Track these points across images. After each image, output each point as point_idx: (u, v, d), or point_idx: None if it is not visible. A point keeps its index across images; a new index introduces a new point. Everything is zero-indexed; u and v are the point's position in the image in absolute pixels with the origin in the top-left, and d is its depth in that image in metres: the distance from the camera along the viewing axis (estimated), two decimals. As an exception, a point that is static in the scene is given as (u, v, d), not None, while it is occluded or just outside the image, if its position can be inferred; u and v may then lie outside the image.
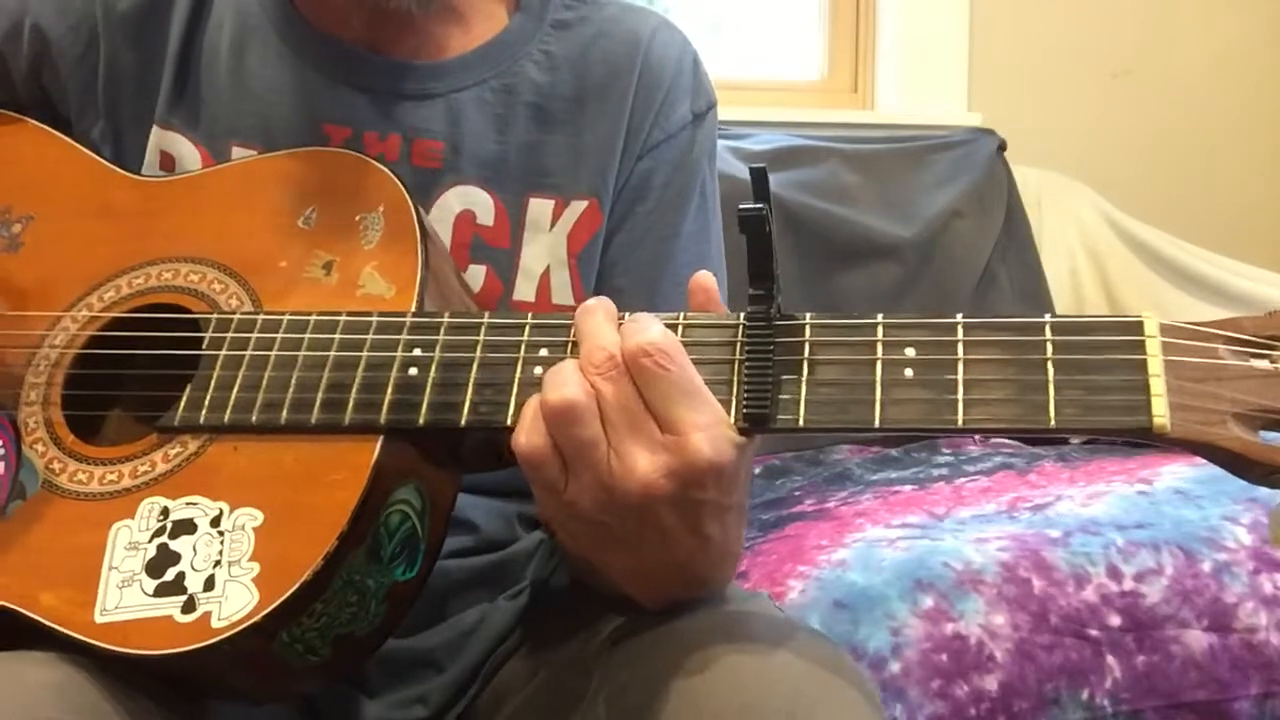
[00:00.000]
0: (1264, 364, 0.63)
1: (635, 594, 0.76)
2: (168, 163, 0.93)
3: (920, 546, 1.33)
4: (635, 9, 1.01)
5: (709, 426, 0.66)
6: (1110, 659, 1.27)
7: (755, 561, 1.37)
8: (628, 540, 0.69)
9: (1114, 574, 1.31)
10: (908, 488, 1.61)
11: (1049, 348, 0.65)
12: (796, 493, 1.64)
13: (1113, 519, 1.39)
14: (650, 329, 0.66)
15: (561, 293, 0.94)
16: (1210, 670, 1.29)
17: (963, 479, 1.62)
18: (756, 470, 1.62)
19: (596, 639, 0.80)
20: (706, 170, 1.00)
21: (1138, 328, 0.65)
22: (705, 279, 0.72)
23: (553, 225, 0.94)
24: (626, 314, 0.71)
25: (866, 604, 1.24)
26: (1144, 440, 0.64)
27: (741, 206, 0.68)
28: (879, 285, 2.03)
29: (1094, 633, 1.27)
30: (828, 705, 0.68)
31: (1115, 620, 1.28)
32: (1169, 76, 2.41)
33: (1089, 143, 2.37)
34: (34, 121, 0.95)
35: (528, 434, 0.67)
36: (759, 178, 0.69)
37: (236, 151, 0.91)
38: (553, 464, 0.67)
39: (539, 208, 0.93)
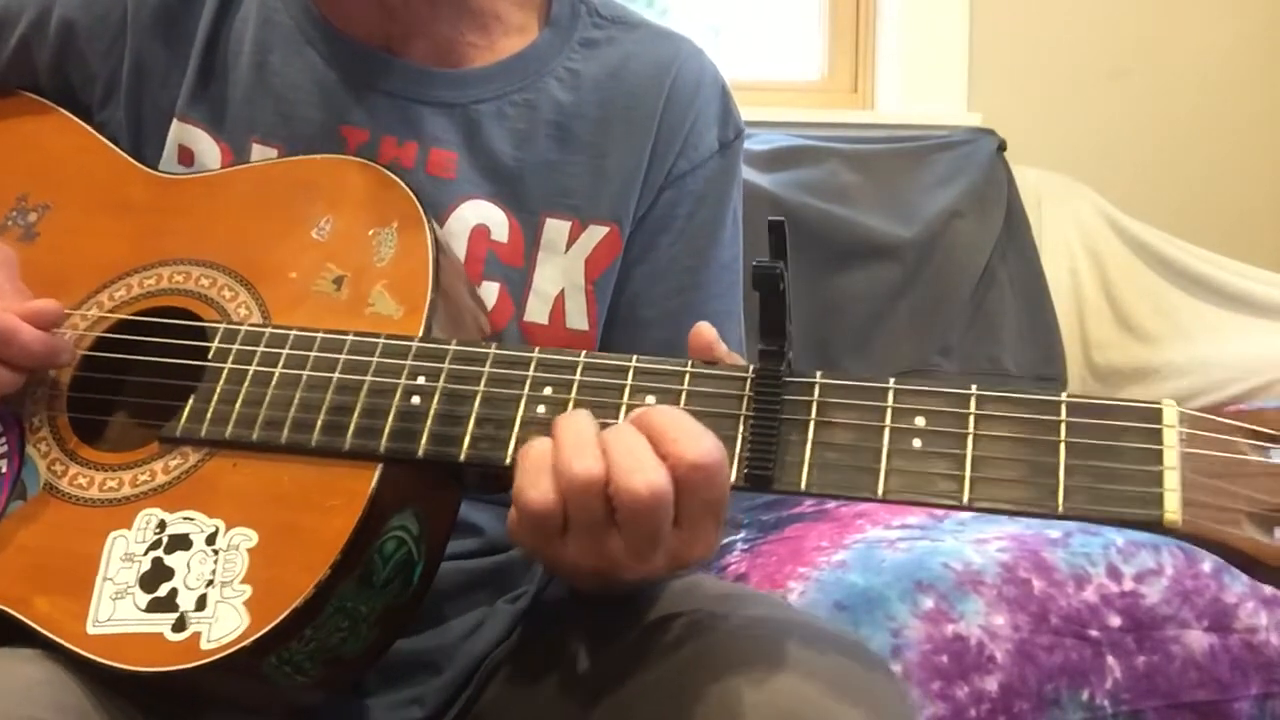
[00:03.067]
0: None
1: (593, 591, 0.76)
2: (186, 157, 0.92)
3: (920, 547, 1.33)
4: (665, 33, 1.01)
5: (717, 532, 0.67)
6: (1110, 659, 1.27)
7: (755, 563, 1.37)
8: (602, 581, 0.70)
9: (1114, 574, 1.31)
10: (908, 488, 1.61)
11: (1063, 429, 0.64)
12: (796, 493, 1.64)
13: (1113, 519, 1.38)
14: (702, 442, 0.65)
15: (576, 318, 0.93)
16: (1210, 670, 1.29)
17: (963, 479, 1.62)
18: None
19: (596, 658, 0.79)
20: (736, 199, 0.99)
21: (1156, 415, 0.63)
22: (706, 333, 0.71)
23: (568, 248, 0.93)
24: (635, 357, 0.71)
25: (866, 605, 1.24)
26: (1151, 532, 0.62)
27: (757, 262, 0.67)
28: (879, 285, 2.02)
29: (1094, 633, 1.27)
30: None
31: (1115, 621, 1.28)
32: (1169, 76, 2.41)
33: (1089, 143, 2.37)
34: (61, 110, 0.95)
35: (542, 491, 0.65)
36: (777, 231, 0.68)
37: (256, 148, 0.91)
38: (557, 519, 0.66)
39: (555, 228, 0.92)
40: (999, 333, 2.05)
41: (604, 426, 0.67)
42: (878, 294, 2.02)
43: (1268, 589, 1.32)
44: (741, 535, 1.47)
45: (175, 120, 0.93)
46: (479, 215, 0.92)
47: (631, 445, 0.65)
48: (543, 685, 0.83)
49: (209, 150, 0.92)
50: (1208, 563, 1.33)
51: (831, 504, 1.56)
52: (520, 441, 0.69)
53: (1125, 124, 2.39)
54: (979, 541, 1.33)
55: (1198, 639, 1.29)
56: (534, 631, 0.91)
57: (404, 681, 0.87)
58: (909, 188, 2.11)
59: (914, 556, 1.31)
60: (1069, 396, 0.65)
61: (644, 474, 0.64)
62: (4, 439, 0.78)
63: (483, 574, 0.91)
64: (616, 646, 0.77)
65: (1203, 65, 2.42)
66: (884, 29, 2.36)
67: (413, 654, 0.87)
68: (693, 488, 0.65)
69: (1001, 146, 2.19)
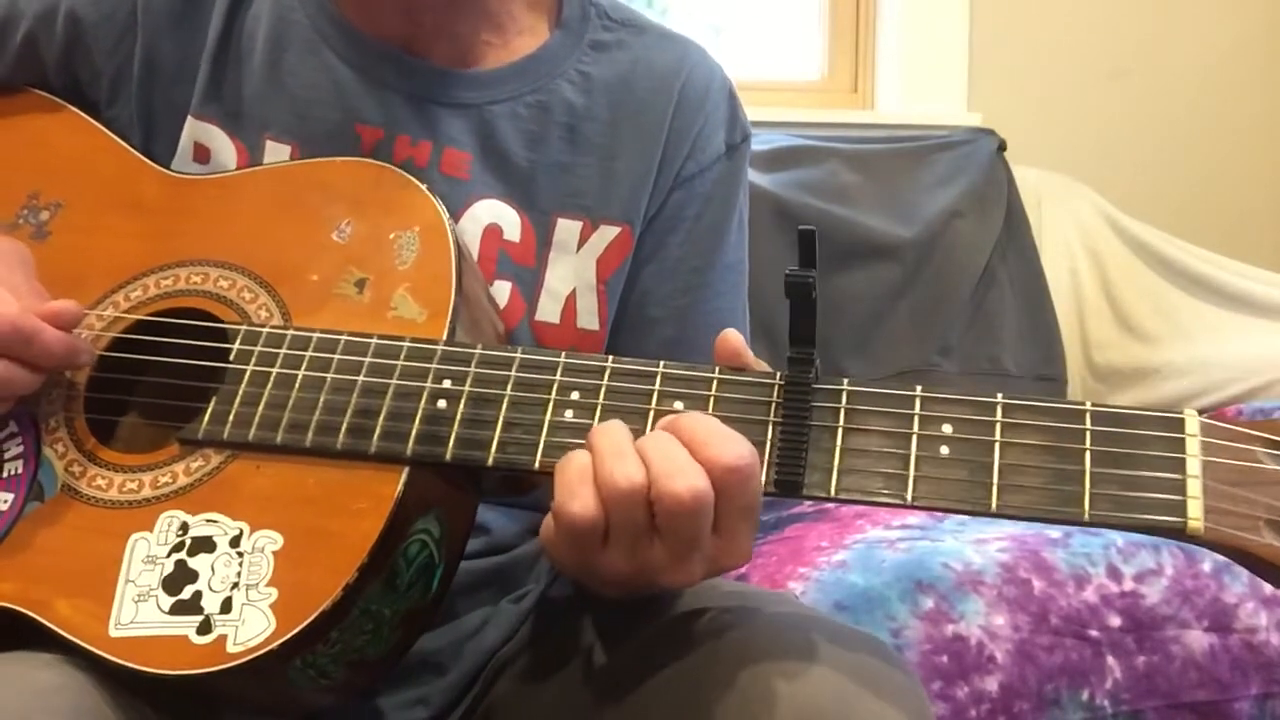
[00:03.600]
0: None
1: (611, 595, 0.76)
2: (202, 154, 0.92)
3: (920, 548, 1.33)
4: (672, 37, 1.01)
5: (752, 538, 0.68)
6: (1110, 659, 1.27)
7: (755, 563, 1.37)
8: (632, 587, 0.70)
9: (1114, 574, 1.31)
10: (908, 488, 1.61)
11: (1088, 438, 0.65)
12: (797, 493, 1.64)
13: (1113, 519, 1.39)
14: (735, 445, 0.66)
15: (587, 317, 0.93)
16: (1210, 670, 1.29)
17: (963, 479, 1.62)
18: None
19: (608, 655, 0.79)
20: (742, 201, 1.00)
21: (1179, 425, 0.64)
22: (733, 340, 0.71)
23: (580, 247, 0.93)
24: (662, 363, 0.71)
25: (866, 605, 1.24)
26: (1174, 539, 0.64)
27: (790, 271, 0.67)
28: (879, 285, 2.02)
29: (1094, 633, 1.28)
30: None
31: (1115, 621, 1.29)
32: (1169, 76, 2.41)
33: (1089, 143, 2.37)
34: (70, 107, 0.94)
35: (583, 503, 0.66)
36: (807, 240, 0.68)
37: (269, 145, 0.91)
38: (599, 530, 0.66)
39: (566, 228, 0.93)
40: (999, 333, 2.05)
41: (635, 435, 0.67)
42: (878, 294, 2.02)
43: (1268, 588, 1.32)
44: (742, 535, 1.47)
45: (190, 118, 0.92)
46: (492, 215, 0.92)
47: (669, 451, 0.65)
48: (553, 682, 0.83)
49: (225, 148, 0.92)
50: (1207, 563, 1.33)
51: (831, 504, 1.56)
52: (549, 446, 0.70)
53: (1125, 124, 2.40)
54: (979, 542, 1.34)
55: (1198, 639, 1.29)
56: (541, 629, 0.91)
57: (409, 682, 0.87)
58: (909, 188, 2.11)
59: (914, 557, 1.31)
60: (1093, 405, 0.66)
61: (685, 478, 0.64)
62: (20, 440, 0.78)
63: (487, 573, 0.92)
64: (630, 644, 0.77)
65: (1203, 65, 2.42)
66: (884, 29, 2.37)
67: (418, 654, 0.87)
68: (729, 492, 0.65)
69: (1001, 146, 2.19)
